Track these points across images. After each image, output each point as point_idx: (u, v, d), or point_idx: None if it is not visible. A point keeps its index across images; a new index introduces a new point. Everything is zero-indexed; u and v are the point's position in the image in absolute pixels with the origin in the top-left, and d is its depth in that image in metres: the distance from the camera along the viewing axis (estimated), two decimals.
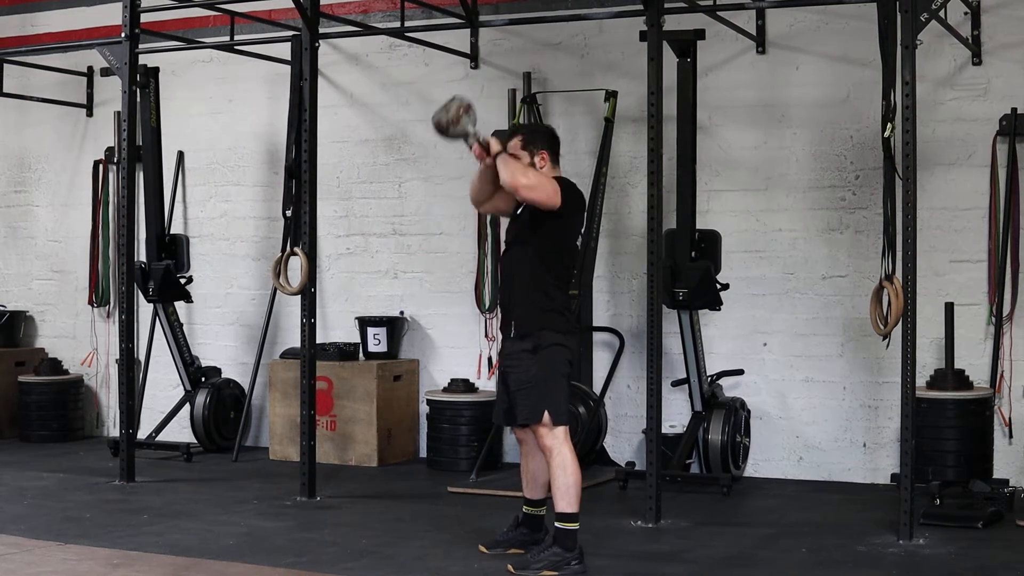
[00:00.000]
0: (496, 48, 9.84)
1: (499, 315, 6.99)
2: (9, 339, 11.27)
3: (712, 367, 8.84)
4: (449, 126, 6.39)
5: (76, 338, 11.35)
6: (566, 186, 6.40)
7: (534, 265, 6.36)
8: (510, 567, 6.25)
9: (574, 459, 6.27)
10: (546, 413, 6.24)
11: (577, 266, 8.77)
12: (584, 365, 9.21)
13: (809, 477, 8.91)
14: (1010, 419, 8.41)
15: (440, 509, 7.94)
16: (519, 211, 6.51)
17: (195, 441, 10.09)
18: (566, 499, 6.22)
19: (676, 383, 8.82)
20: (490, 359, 9.71)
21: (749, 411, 8.89)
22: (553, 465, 6.25)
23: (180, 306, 10.21)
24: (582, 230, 6.52)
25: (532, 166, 6.44)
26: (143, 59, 9.28)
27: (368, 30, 9.91)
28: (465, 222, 9.85)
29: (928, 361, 8.38)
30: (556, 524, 6.26)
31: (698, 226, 8.60)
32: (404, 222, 10.13)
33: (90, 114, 11.30)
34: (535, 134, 6.58)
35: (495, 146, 6.43)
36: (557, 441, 6.25)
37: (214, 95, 10.77)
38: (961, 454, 7.92)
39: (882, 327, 7.13)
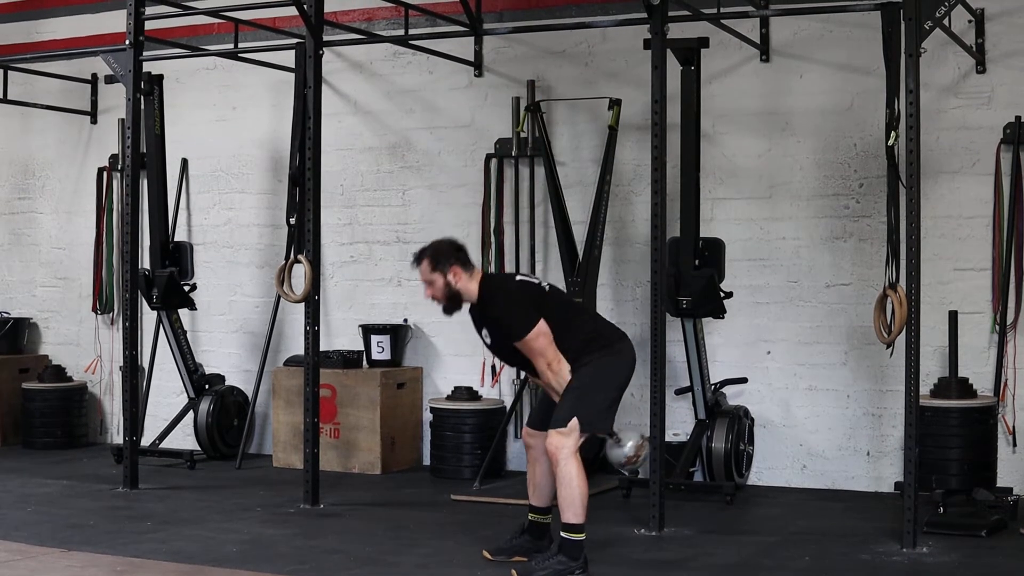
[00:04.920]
0: (500, 56, 9.85)
1: None
2: (13, 346, 11.27)
3: (716, 375, 8.84)
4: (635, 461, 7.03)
5: (80, 345, 11.36)
6: (509, 304, 6.39)
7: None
8: (514, 573, 6.24)
9: (581, 470, 6.26)
10: (574, 419, 6.24)
11: (582, 274, 8.81)
12: None
13: (813, 485, 8.90)
14: (1014, 428, 8.40)
15: (443, 517, 7.93)
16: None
17: (199, 448, 10.08)
18: (572, 509, 6.21)
19: (680, 391, 8.81)
20: (493, 367, 9.70)
21: (753, 419, 8.89)
22: (560, 475, 6.24)
23: (184, 313, 10.21)
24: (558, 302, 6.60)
25: (448, 285, 6.39)
26: (147, 66, 9.29)
27: (372, 38, 9.90)
28: (469, 230, 9.84)
29: (932, 369, 8.37)
30: (562, 534, 6.26)
31: (702, 234, 8.60)
32: (408, 230, 10.13)
33: (94, 121, 11.31)
34: (438, 253, 6.46)
35: None
36: (565, 451, 6.23)
37: (218, 102, 10.78)
38: (965, 462, 7.90)
39: (886, 335, 7.13)
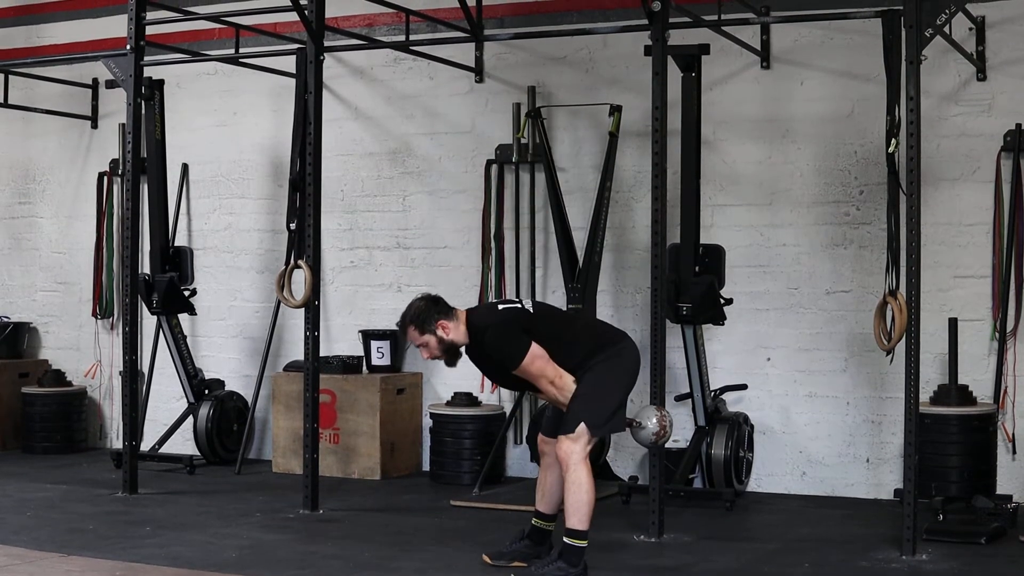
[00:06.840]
0: (501, 62, 9.85)
1: None
2: (13, 350, 11.27)
3: (715, 382, 8.83)
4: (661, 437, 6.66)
5: (80, 350, 11.35)
6: (498, 336, 6.35)
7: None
8: None
9: (590, 477, 6.28)
10: (582, 424, 6.25)
11: (582, 280, 8.81)
12: None
13: (812, 492, 8.90)
14: (1013, 435, 8.40)
15: (443, 522, 7.94)
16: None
17: (198, 453, 10.08)
18: (577, 516, 6.22)
19: (679, 398, 8.81)
20: None
21: (752, 426, 8.88)
22: (568, 481, 6.25)
23: (184, 318, 10.20)
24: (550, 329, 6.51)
25: (441, 341, 6.38)
26: (148, 71, 9.28)
27: (373, 43, 9.92)
28: (469, 236, 9.86)
29: (932, 376, 8.37)
30: (564, 539, 6.26)
31: (702, 241, 8.59)
32: (408, 235, 10.14)
33: (95, 126, 11.31)
34: (419, 315, 6.41)
35: None
36: (575, 457, 6.25)
37: (219, 107, 10.79)
38: (964, 470, 7.91)
39: (886, 342, 7.13)
